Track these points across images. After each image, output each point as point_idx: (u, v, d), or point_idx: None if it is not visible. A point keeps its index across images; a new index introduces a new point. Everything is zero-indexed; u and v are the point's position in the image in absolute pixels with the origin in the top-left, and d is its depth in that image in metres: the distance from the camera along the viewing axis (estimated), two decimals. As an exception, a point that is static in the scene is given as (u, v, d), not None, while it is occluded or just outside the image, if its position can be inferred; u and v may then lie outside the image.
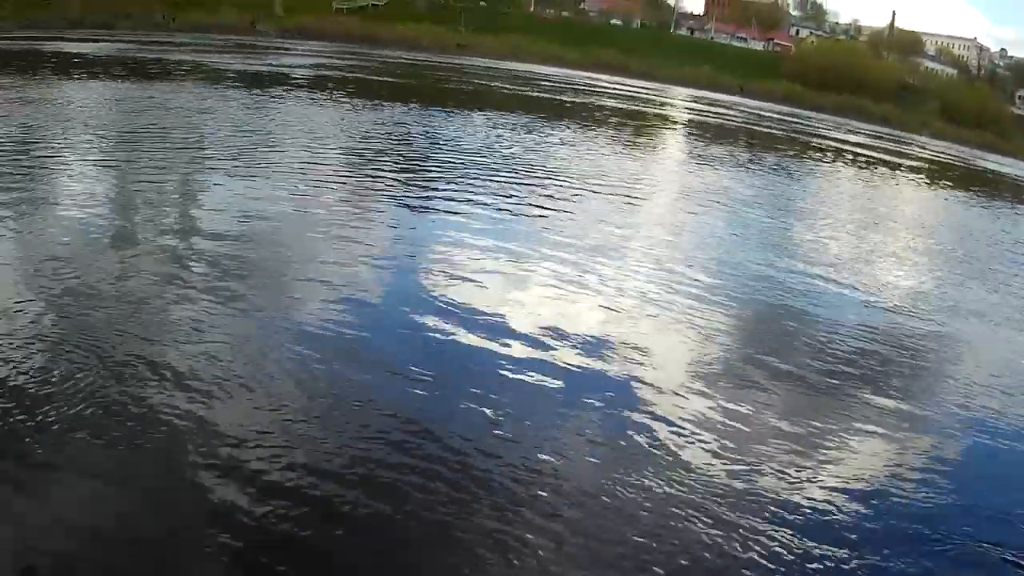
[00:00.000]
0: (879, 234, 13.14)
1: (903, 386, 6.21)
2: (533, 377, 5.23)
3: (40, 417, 4.00)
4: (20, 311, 5.15)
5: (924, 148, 43.45)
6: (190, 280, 6.12)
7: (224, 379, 4.61)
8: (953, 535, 4.14)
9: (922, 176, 27.14)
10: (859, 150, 31.74)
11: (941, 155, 40.88)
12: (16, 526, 3.26)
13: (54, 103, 13.93)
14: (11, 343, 4.71)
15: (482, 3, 73.69)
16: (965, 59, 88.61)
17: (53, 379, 4.36)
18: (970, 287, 10.22)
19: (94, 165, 9.64)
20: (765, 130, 33.20)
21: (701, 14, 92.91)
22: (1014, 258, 13.23)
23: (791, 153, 25.22)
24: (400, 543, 3.50)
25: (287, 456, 3.97)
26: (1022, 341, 8.27)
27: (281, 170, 10.59)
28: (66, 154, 10.02)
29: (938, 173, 29.79)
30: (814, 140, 32.72)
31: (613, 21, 79.97)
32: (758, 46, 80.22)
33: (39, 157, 9.64)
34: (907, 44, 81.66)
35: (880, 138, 43.31)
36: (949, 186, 25.88)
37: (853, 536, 3.99)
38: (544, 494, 3.95)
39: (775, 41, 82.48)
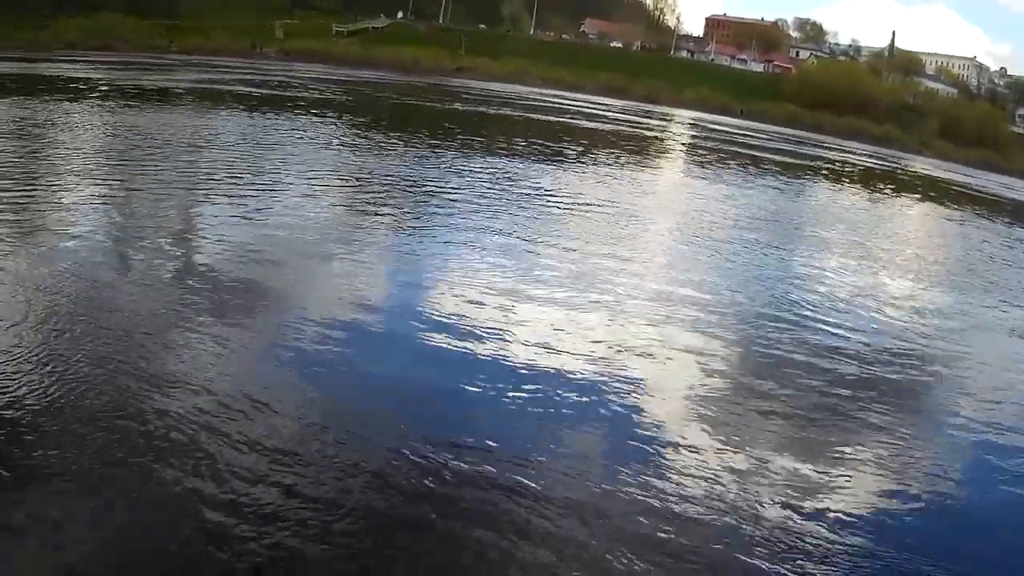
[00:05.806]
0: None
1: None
2: (538, 400, 5.55)
3: (42, 437, 4.15)
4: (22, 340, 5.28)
5: (910, 169, 43.31)
6: (190, 304, 6.38)
7: (227, 405, 4.78)
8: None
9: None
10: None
11: (929, 175, 40.80)
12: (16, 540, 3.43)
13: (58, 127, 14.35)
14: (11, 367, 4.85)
15: (482, 26, 74.15)
16: (965, 78, 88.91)
17: (56, 403, 4.53)
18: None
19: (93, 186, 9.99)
20: (767, 155, 33.14)
21: (701, 36, 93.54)
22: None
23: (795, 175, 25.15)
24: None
25: (287, 479, 4.16)
26: None
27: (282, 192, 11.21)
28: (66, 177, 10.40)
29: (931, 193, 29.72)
30: (817, 162, 32.63)
31: (613, 43, 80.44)
32: (758, 68, 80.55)
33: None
34: (907, 64, 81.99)
35: (878, 157, 43.21)
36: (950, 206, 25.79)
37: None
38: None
39: (775, 63, 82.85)
